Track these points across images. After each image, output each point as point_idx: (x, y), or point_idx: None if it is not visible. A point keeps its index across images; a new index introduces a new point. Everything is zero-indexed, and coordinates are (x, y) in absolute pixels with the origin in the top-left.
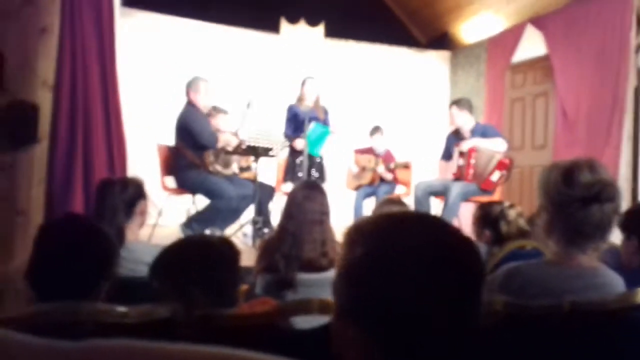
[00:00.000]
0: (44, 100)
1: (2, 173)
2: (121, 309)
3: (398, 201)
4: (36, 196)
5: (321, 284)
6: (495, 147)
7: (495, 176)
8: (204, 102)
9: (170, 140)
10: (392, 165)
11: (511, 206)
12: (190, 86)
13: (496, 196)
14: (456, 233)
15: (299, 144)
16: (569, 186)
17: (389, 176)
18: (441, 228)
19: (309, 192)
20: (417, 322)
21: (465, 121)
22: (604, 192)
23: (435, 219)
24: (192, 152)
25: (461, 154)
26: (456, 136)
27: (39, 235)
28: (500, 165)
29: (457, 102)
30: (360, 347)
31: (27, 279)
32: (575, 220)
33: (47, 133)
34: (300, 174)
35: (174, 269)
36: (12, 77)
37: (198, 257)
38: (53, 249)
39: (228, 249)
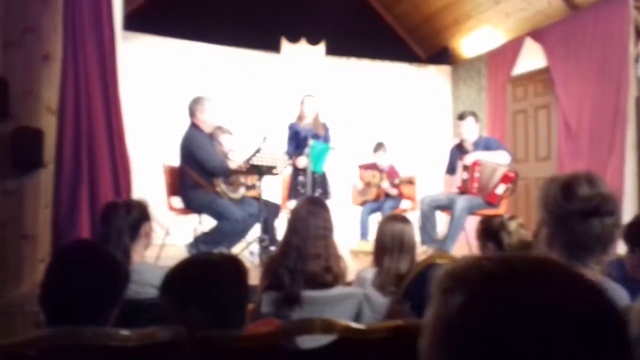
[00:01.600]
0: (49, 125)
1: (9, 198)
2: (124, 332)
3: (401, 218)
4: (43, 220)
5: (326, 301)
6: (499, 159)
7: (500, 189)
8: (208, 121)
9: (176, 160)
10: (396, 181)
11: (512, 217)
12: (194, 105)
13: (502, 209)
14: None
15: (301, 161)
16: (568, 200)
17: (393, 191)
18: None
19: (312, 208)
20: None
21: (476, 133)
22: (603, 205)
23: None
24: (197, 173)
25: (465, 167)
26: (459, 150)
27: (52, 260)
28: (505, 178)
29: (473, 114)
30: None
31: (40, 303)
32: (575, 234)
33: (52, 158)
34: (303, 192)
35: (176, 289)
36: (16, 103)
37: (199, 277)
38: (65, 274)
39: (233, 268)
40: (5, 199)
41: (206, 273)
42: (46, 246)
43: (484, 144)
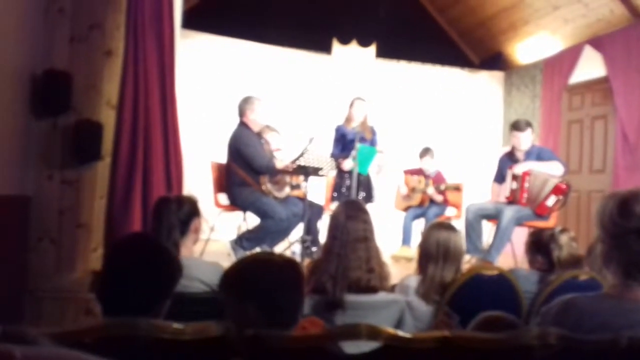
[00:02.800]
0: (108, 119)
1: (68, 187)
2: (177, 325)
3: (448, 226)
4: (98, 210)
5: (369, 306)
6: (552, 170)
7: (551, 201)
8: (257, 120)
9: (224, 158)
10: (442, 187)
11: (563, 230)
12: (244, 104)
13: (552, 221)
14: None
15: (347, 164)
16: (624, 217)
17: (439, 198)
18: None
19: (350, 212)
20: None
21: (530, 143)
22: None
23: None
24: (244, 171)
25: (514, 177)
26: (510, 158)
27: (110, 251)
28: (556, 190)
29: (530, 125)
30: None
31: (95, 292)
32: (631, 253)
33: (110, 150)
34: (347, 194)
35: (235, 285)
36: (79, 97)
37: (259, 275)
38: (122, 266)
39: (293, 271)
40: (65, 188)
41: (266, 273)
42: (99, 236)
43: (537, 154)
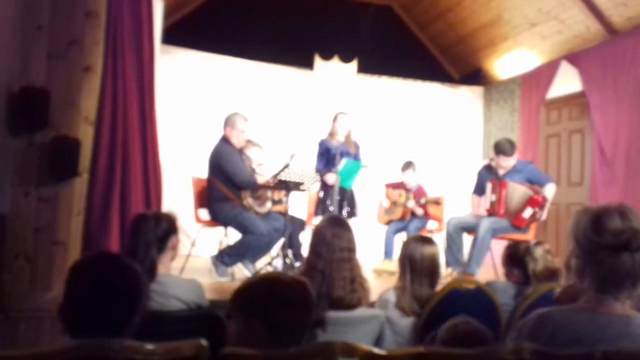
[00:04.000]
0: (86, 135)
1: (44, 204)
2: (149, 346)
3: (426, 240)
4: (75, 228)
5: (349, 322)
6: (550, 193)
7: (527, 213)
8: (240, 138)
9: (204, 173)
10: (422, 201)
11: (538, 243)
12: (229, 119)
13: (530, 234)
14: None
15: (330, 178)
16: (597, 233)
17: (419, 211)
18: None
19: (336, 230)
20: None
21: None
22: (635, 240)
23: None
24: (225, 186)
25: (493, 189)
26: (489, 171)
27: (71, 272)
28: (532, 202)
29: (515, 146)
30: None
31: (59, 314)
32: (604, 268)
33: (87, 167)
34: (331, 208)
35: (244, 303)
36: (56, 113)
37: (268, 294)
38: (84, 287)
39: (301, 290)
40: (41, 205)
41: (275, 291)
42: (77, 253)
43: (527, 173)
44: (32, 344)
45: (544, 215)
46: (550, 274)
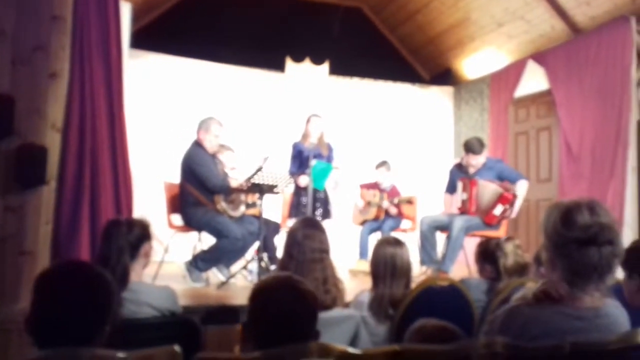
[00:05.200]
0: (53, 142)
1: (10, 214)
2: (121, 354)
3: (394, 241)
4: (43, 237)
5: (325, 323)
6: (522, 191)
7: (498, 210)
8: (213, 142)
9: (177, 178)
10: (395, 200)
11: (508, 239)
12: (202, 125)
13: (502, 230)
14: None
15: (303, 180)
16: (566, 227)
17: (394, 211)
18: None
19: (308, 231)
20: None
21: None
22: (601, 234)
23: None
24: (198, 190)
25: (464, 187)
26: (460, 169)
27: (38, 282)
28: (502, 199)
29: (484, 144)
30: None
31: (26, 325)
32: (573, 262)
33: (55, 175)
34: (305, 211)
35: (257, 304)
36: (22, 121)
37: (282, 298)
38: (51, 297)
39: (313, 298)
40: (7, 215)
41: (289, 296)
42: (45, 263)
43: (497, 171)
44: (0, 357)
45: (514, 212)
46: (520, 269)
